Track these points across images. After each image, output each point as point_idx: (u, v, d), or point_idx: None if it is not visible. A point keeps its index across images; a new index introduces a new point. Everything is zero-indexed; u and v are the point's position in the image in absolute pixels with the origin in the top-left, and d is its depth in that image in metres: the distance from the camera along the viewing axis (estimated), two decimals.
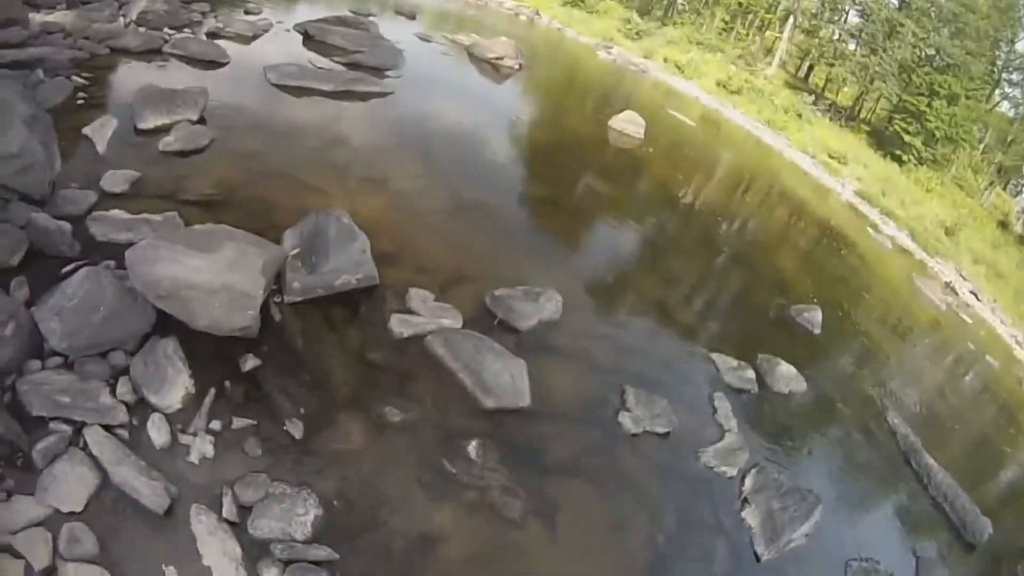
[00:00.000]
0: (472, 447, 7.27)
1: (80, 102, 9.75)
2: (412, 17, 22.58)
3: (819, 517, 8.54)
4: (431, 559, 6.19)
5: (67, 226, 7.29)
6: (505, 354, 8.37)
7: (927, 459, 11.26)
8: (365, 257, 8.43)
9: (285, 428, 6.48)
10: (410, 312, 8.53)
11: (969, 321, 23.29)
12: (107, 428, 5.75)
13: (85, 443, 5.58)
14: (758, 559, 7.86)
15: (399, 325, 8.26)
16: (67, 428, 5.63)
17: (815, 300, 14.73)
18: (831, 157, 31.96)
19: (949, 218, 31.72)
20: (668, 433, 8.74)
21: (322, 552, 5.62)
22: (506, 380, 8.06)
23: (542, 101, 20.80)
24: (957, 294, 25.19)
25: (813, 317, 13.84)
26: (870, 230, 26.20)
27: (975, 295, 26.20)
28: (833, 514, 8.94)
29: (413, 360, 8.01)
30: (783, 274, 16.34)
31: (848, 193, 29.45)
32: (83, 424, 5.69)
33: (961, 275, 27.08)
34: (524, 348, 8.85)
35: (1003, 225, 37.54)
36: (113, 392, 6.04)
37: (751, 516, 8.27)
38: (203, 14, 14.51)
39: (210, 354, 6.72)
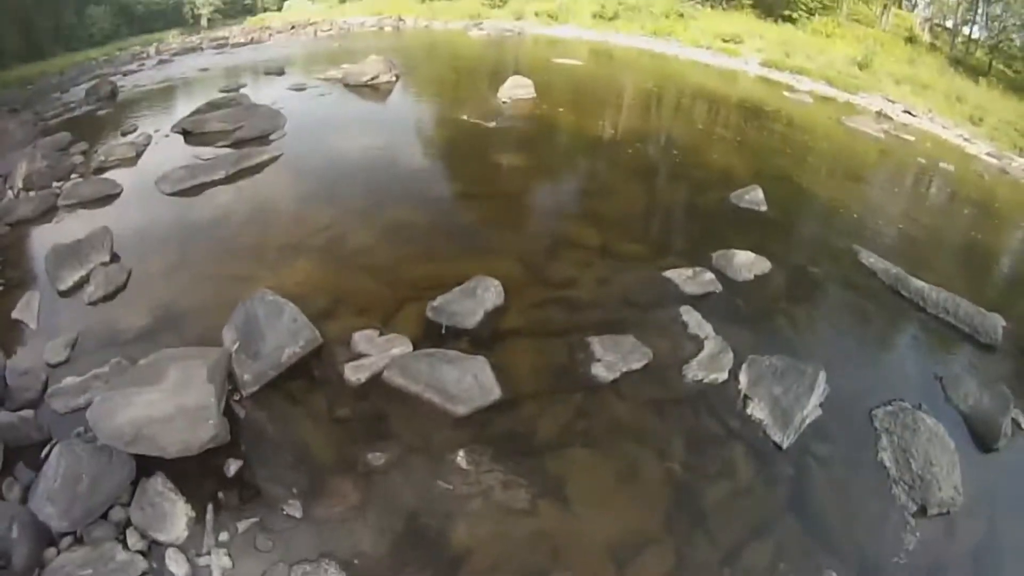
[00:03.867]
0: (460, 458, 7.15)
1: (0, 289, 9.69)
2: (281, 73, 22.30)
3: (825, 384, 8.34)
4: None
5: (29, 413, 7.36)
6: (461, 358, 8.19)
7: (915, 283, 11.05)
8: (298, 324, 8.30)
9: (286, 513, 6.49)
10: (360, 356, 8.36)
11: (912, 139, 23.17)
12: None
13: None
14: (780, 448, 7.65)
15: (353, 373, 8.09)
16: None
17: (753, 180, 14.41)
18: (725, 41, 31.88)
19: (858, 54, 31.64)
20: (646, 365, 8.48)
21: None
22: (469, 382, 7.89)
23: (427, 101, 20.48)
24: (891, 119, 25.11)
25: (755, 197, 13.56)
26: (786, 93, 26.04)
27: (909, 112, 26.18)
28: (840, 375, 8.63)
29: (377, 400, 7.87)
30: (715, 168, 16.05)
31: (754, 67, 29.38)
32: None
33: (889, 100, 27.06)
34: (479, 345, 8.68)
35: (910, 40, 37.67)
36: (126, 546, 6.14)
37: (757, 410, 8.04)
38: (83, 153, 14.32)
39: (195, 474, 6.73)
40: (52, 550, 6.10)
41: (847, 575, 6.45)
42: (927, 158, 21.25)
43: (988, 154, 23.65)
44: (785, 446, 7.64)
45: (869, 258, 11.88)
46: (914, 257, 12.58)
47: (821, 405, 8.17)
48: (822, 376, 8.34)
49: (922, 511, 7.22)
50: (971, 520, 7.34)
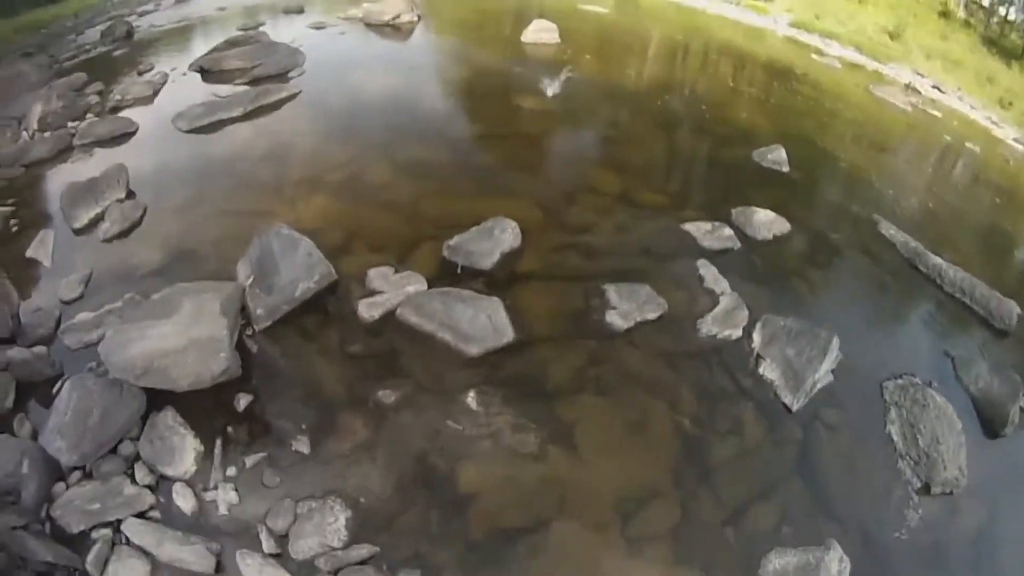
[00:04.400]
0: (471, 399, 7.11)
1: (15, 229, 9.46)
2: (300, 11, 21.56)
3: (838, 350, 8.28)
4: (468, 520, 6.15)
5: (42, 350, 7.36)
6: (475, 298, 8.13)
7: (934, 259, 10.91)
8: (313, 259, 8.22)
9: (294, 449, 6.53)
10: (374, 293, 8.29)
11: (939, 115, 22.73)
12: (140, 515, 5.97)
13: (126, 538, 5.80)
14: (789, 410, 7.63)
15: (367, 309, 8.03)
16: (107, 531, 5.83)
17: (777, 140, 14.11)
18: None
19: (890, 22, 30.85)
20: (660, 316, 8.41)
21: (363, 550, 5.80)
22: (483, 322, 7.83)
23: (448, 42, 19.98)
24: (920, 92, 24.57)
25: (778, 156, 13.32)
26: (815, 56, 25.41)
27: (938, 88, 25.60)
28: (853, 342, 8.56)
29: (391, 338, 7.82)
30: (739, 126, 15.73)
31: (783, 27, 28.64)
32: (119, 521, 5.89)
33: (918, 73, 26.45)
34: (494, 285, 8.58)
35: (944, 15, 36.71)
36: (134, 480, 6.23)
37: (769, 370, 7.98)
38: (99, 93, 13.83)
39: (205, 408, 6.75)
40: (61, 485, 6.16)
41: (848, 546, 6.42)
42: (953, 136, 20.88)
43: (1015, 139, 23.21)
44: (795, 408, 7.60)
45: (889, 229, 11.70)
46: (934, 233, 12.37)
47: (833, 371, 8.11)
48: (836, 342, 8.26)
49: (926, 488, 7.20)
50: (974, 503, 7.33)
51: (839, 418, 7.72)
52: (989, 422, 8.38)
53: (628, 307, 8.37)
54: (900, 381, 8.30)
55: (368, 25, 19.36)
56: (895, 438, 7.64)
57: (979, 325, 10.07)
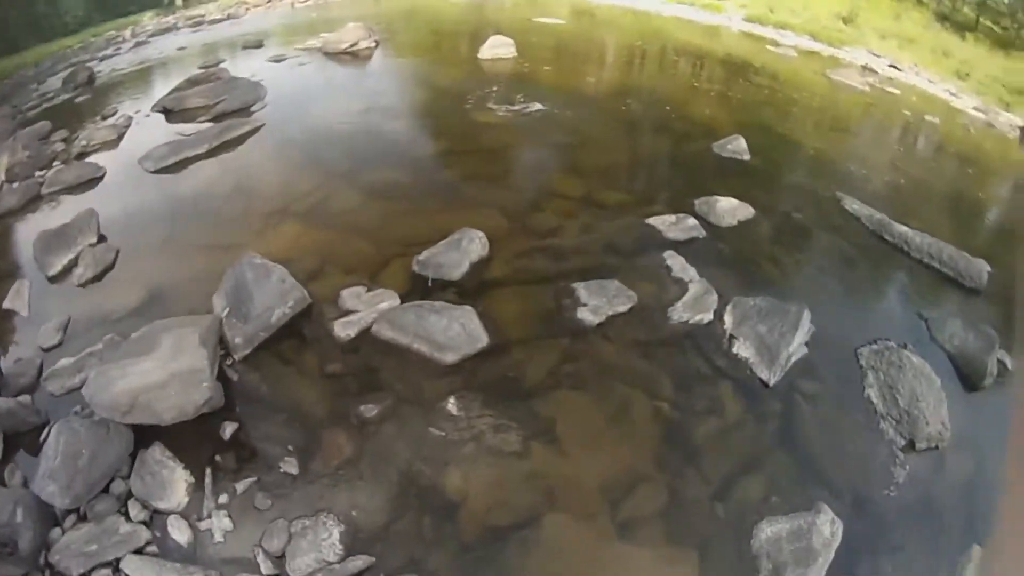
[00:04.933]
0: (451, 405, 7.17)
1: None
2: (259, 46, 21.69)
3: (810, 323, 8.39)
4: (459, 522, 6.21)
5: (27, 399, 7.43)
6: (448, 308, 8.22)
7: (899, 228, 11.06)
8: (287, 285, 8.30)
9: (283, 471, 6.58)
10: (349, 312, 8.37)
11: (897, 92, 23.00)
12: (138, 552, 6.03)
13: (126, 575, 5.85)
14: (767, 385, 7.72)
15: (343, 329, 8.11)
16: (107, 571, 5.90)
17: (736, 130, 14.31)
18: None
19: (843, 8, 31.25)
20: (631, 308, 8.50)
21: (359, 562, 5.86)
22: (457, 331, 7.91)
23: (407, 65, 20.07)
24: (876, 72, 24.89)
25: (738, 146, 13.49)
26: (770, 48, 25.75)
27: (894, 67, 25.93)
28: (825, 314, 8.70)
29: (368, 354, 7.89)
30: (698, 120, 15.91)
31: (737, 23, 28.98)
32: (118, 560, 5.94)
33: (874, 54, 26.79)
34: (465, 295, 8.68)
35: None
36: (128, 517, 6.30)
37: (743, 349, 8.08)
38: (64, 140, 13.97)
39: (192, 440, 6.79)
40: (57, 530, 6.20)
41: (839, 506, 6.51)
42: (912, 111, 21.13)
43: (974, 108, 23.50)
44: (772, 383, 7.69)
45: (853, 204, 11.85)
46: (899, 204, 12.54)
47: (806, 343, 8.22)
48: (806, 315, 8.38)
49: (910, 445, 7.30)
50: (959, 455, 7.43)
51: (817, 388, 7.81)
52: (967, 377, 8.49)
53: (598, 302, 8.45)
54: (875, 346, 8.39)
55: (327, 54, 19.53)
56: (875, 400, 7.74)
57: (950, 286, 10.22)
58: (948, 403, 7.69)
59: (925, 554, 6.56)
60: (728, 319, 8.46)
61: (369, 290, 8.69)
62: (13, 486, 6.53)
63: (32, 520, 6.05)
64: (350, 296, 8.58)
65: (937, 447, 7.34)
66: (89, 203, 10.90)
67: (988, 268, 10.28)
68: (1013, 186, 17.23)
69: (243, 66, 18.31)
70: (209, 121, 14.24)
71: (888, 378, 7.88)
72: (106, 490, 6.48)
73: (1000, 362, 8.61)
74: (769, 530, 6.28)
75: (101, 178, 12.21)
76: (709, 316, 8.48)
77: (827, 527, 6.29)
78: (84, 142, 13.68)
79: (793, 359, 7.98)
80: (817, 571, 6.07)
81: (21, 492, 6.33)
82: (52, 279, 9.43)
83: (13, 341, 8.45)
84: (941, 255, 10.51)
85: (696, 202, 11.02)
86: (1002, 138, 21.27)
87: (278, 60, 19.26)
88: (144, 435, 6.72)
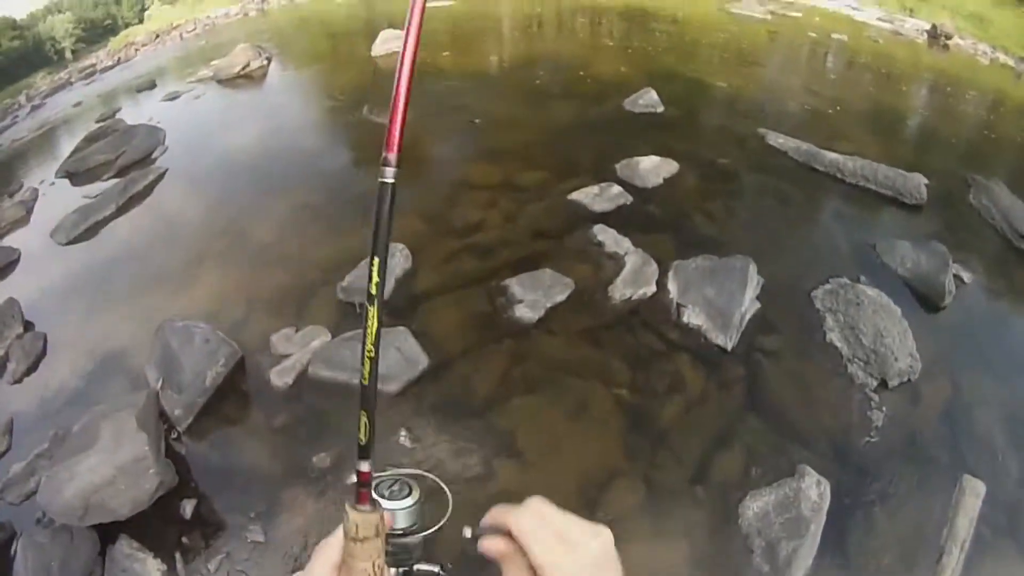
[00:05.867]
0: (403, 437, 6.69)
1: None
2: (152, 87, 20.98)
3: (757, 275, 8.01)
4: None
5: None
6: (380, 334, 7.58)
7: (829, 155, 10.78)
8: (211, 344, 7.78)
9: (249, 539, 6.15)
10: (282, 357, 7.86)
11: (799, 15, 23.06)
12: None
13: None
14: (725, 350, 7.29)
15: (279, 377, 7.59)
16: None
17: (645, 83, 13.84)
18: None
19: None
20: (569, 296, 8.02)
21: None
22: (394, 357, 7.38)
23: (301, 77, 19.50)
24: None
25: (650, 99, 13.05)
26: None
27: None
28: (770, 262, 8.32)
29: (309, 399, 7.40)
30: (605, 80, 15.43)
31: None
32: None
33: None
34: (396, 315, 8.13)
35: None
36: None
37: (693, 316, 7.63)
38: None
39: (156, 526, 6.38)
40: None
41: (821, 464, 6.15)
42: (818, 32, 21.11)
43: (879, 19, 23.67)
44: (730, 347, 7.29)
45: (777, 139, 11.53)
46: (823, 131, 12.28)
47: (758, 297, 7.84)
48: (752, 268, 8.00)
49: (883, 384, 6.96)
50: (934, 384, 7.13)
51: (777, 343, 7.45)
52: (926, 299, 8.20)
53: (534, 296, 7.97)
54: (828, 286, 8.04)
55: (220, 82, 18.88)
56: (838, 344, 7.37)
57: (891, 206, 9.95)
58: (912, 332, 7.37)
59: (917, 494, 6.21)
60: (672, 287, 8.01)
61: (298, 330, 8.17)
62: None
63: None
64: (280, 340, 8.06)
65: (910, 380, 7.01)
66: (9, 291, 10.38)
67: (925, 181, 10.01)
68: (930, 90, 17.21)
69: (139, 111, 17.70)
70: (113, 177, 13.61)
71: (848, 318, 7.52)
72: None
73: (956, 276, 8.38)
74: (755, 506, 5.90)
75: (17, 260, 11.72)
76: (652, 288, 8.04)
77: (813, 490, 5.91)
78: None
79: (747, 317, 7.58)
80: (811, 539, 5.71)
81: None
82: None
83: None
84: (876, 176, 10.23)
85: (617, 167, 10.55)
86: (911, 44, 21.48)
87: (173, 98, 18.55)
88: (108, 531, 6.33)
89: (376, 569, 1.32)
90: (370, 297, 1.35)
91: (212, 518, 6.47)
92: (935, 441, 6.68)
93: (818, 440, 6.52)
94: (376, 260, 1.32)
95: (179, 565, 6.13)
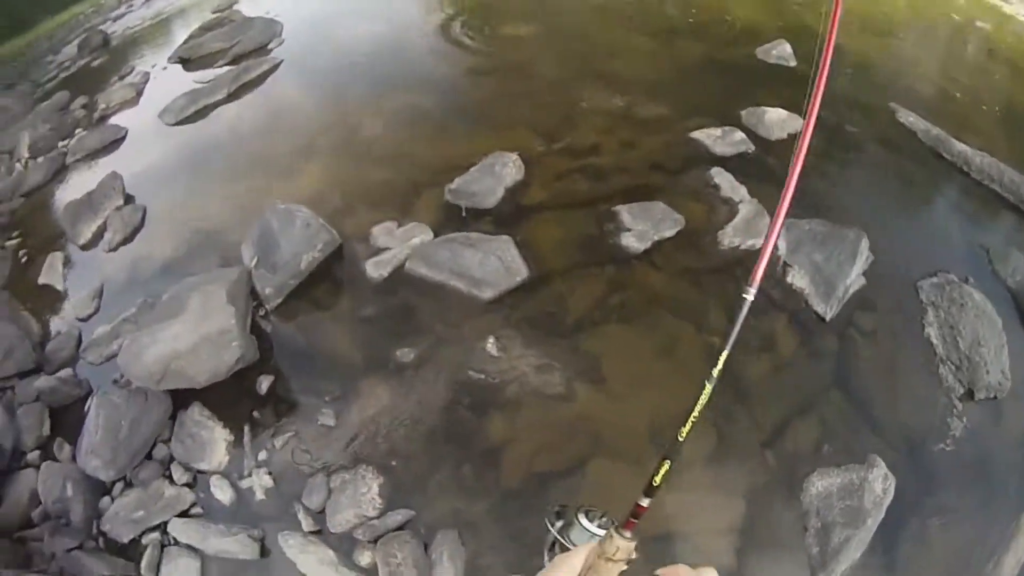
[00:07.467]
0: (491, 345, 6.88)
1: (24, 260, 9.71)
2: None
3: (868, 251, 7.83)
4: (501, 470, 6.06)
5: (68, 372, 7.65)
6: (484, 240, 7.85)
7: (958, 146, 10.28)
8: (312, 229, 8.04)
9: (320, 423, 6.52)
10: (381, 251, 8.08)
11: None
12: (183, 514, 6.31)
13: (174, 538, 6.16)
14: (823, 319, 7.21)
15: (375, 269, 7.84)
16: (156, 535, 6.22)
17: (779, 34, 13.33)
18: None
19: None
20: (678, 233, 7.98)
21: (398, 516, 5.90)
22: (494, 264, 7.53)
23: None
24: None
25: (783, 51, 12.59)
26: None
27: None
28: (883, 241, 8.10)
29: (402, 294, 7.64)
30: (737, 25, 14.83)
31: None
32: (164, 523, 6.24)
33: None
34: (501, 223, 8.27)
35: None
36: (172, 481, 6.53)
37: (797, 278, 7.56)
38: (84, 107, 13.70)
39: (229, 398, 6.82)
40: (106, 499, 6.51)
41: (892, 459, 6.14)
42: (961, 16, 19.99)
43: None
44: (829, 317, 7.20)
45: (908, 117, 11.06)
46: (955, 118, 11.67)
47: (864, 273, 7.68)
48: (865, 242, 7.83)
49: (969, 395, 6.80)
50: (1018, 406, 6.92)
51: (875, 324, 7.33)
52: None
53: (643, 227, 7.94)
54: (935, 279, 7.81)
55: None
56: (935, 341, 7.20)
57: (1011, 213, 9.47)
58: (1009, 347, 7.14)
59: (978, 516, 6.17)
60: (782, 244, 7.88)
61: (400, 225, 8.36)
62: (63, 460, 6.80)
63: (81, 493, 6.43)
64: (381, 233, 8.27)
65: (996, 397, 6.82)
66: (113, 166, 10.79)
67: None
68: None
69: (258, 4, 17.51)
70: (227, 65, 13.79)
71: (949, 317, 7.34)
72: (149, 455, 6.73)
73: None
74: (820, 484, 5.96)
75: (123, 139, 12.08)
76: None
77: (879, 483, 5.93)
78: (104, 105, 13.51)
79: (851, 291, 7.46)
80: (866, 533, 5.77)
81: (70, 466, 6.66)
82: (83, 248, 9.46)
83: (51, 316, 8.63)
84: (1002, 178, 9.77)
85: (743, 113, 10.27)
86: None
87: None
88: (182, 397, 6.78)
89: None
90: (709, 376, 1.64)
91: (286, 397, 6.84)
92: (1008, 466, 6.55)
93: (894, 434, 6.48)
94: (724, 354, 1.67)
95: (246, 437, 6.53)
